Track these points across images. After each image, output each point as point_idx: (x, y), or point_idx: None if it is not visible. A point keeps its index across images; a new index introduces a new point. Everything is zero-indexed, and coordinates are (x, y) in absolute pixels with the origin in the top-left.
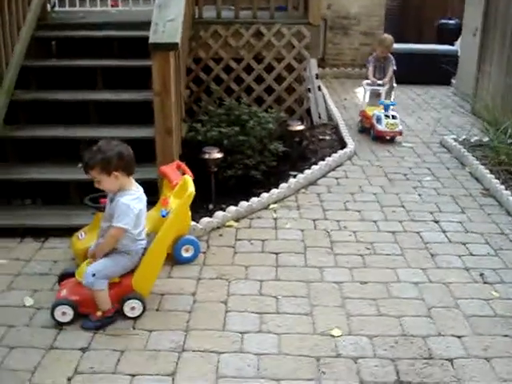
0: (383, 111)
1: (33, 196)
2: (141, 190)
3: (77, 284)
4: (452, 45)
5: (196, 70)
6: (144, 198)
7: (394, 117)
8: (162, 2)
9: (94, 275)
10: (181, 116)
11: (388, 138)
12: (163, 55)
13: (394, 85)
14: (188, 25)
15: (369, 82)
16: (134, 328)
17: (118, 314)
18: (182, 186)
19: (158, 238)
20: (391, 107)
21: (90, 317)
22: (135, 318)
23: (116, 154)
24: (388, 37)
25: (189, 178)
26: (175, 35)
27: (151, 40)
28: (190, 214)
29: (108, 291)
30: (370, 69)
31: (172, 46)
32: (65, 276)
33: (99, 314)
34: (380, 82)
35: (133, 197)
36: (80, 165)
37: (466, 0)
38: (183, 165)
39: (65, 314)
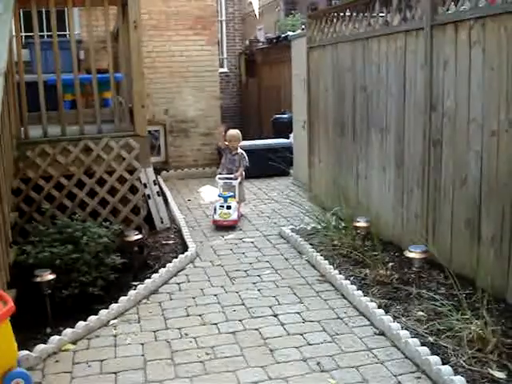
0: (221, 202)
1: None
2: None
3: None
4: (287, 138)
5: (26, 190)
6: None
7: (228, 207)
8: None
9: None
10: (6, 242)
11: (224, 225)
12: None
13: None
14: (12, 146)
15: (221, 176)
16: None
17: None
18: None
19: None
20: (229, 198)
21: None
22: None
23: None
24: (234, 131)
25: None
26: None
27: None
28: (15, 345)
29: None
30: (222, 161)
31: None
32: None
33: None
34: (232, 175)
35: None
36: None
37: (292, 93)
38: (6, 295)
39: None
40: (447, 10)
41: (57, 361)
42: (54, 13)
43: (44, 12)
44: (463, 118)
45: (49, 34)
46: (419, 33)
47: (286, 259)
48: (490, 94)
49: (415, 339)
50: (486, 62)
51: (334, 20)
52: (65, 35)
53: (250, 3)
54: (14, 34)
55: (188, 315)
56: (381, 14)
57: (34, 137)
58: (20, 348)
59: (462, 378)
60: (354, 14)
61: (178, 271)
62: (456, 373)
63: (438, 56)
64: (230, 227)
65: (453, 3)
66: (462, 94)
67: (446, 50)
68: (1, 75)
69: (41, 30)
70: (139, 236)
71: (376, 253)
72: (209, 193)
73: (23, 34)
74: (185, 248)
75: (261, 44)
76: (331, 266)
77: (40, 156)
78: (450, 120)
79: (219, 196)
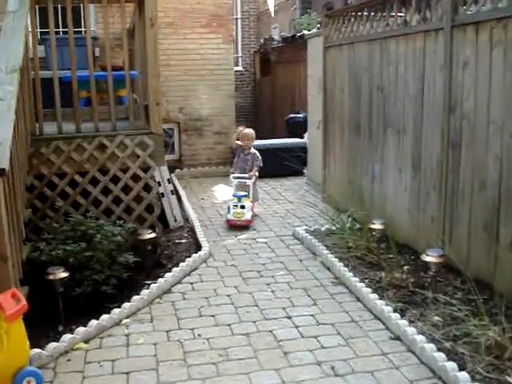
0: (235, 201)
1: None
2: None
3: None
4: (302, 137)
5: (40, 187)
6: None
7: (242, 207)
8: None
9: None
10: (20, 238)
11: (238, 225)
12: None
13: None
14: (26, 142)
15: (235, 175)
16: None
17: None
18: None
19: None
20: (243, 198)
21: None
22: None
23: None
24: (248, 130)
25: None
26: (2, 160)
27: None
28: (27, 343)
29: None
30: (235, 161)
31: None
32: None
33: None
34: (246, 175)
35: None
36: None
37: (307, 92)
38: (19, 293)
39: None
40: (468, 10)
41: (68, 360)
42: (69, 9)
43: (60, 8)
44: (483, 120)
45: (64, 30)
46: (439, 33)
47: (300, 260)
48: (510, 97)
49: (431, 345)
50: (508, 64)
51: (351, 19)
52: (80, 32)
53: (266, 2)
54: (29, 30)
55: (201, 315)
56: (399, 14)
57: (49, 133)
58: (32, 346)
59: None
60: (372, 14)
61: (192, 270)
62: (473, 380)
63: (458, 57)
64: (243, 227)
65: (474, 4)
66: (482, 95)
67: (466, 51)
68: (16, 71)
69: (56, 27)
70: (152, 234)
71: (391, 255)
72: (222, 192)
73: (39, 30)
74: (198, 247)
75: (276, 43)
76: (346, 268)
77: (54, 153)
78: (468, 122)
79: (233, 195)
